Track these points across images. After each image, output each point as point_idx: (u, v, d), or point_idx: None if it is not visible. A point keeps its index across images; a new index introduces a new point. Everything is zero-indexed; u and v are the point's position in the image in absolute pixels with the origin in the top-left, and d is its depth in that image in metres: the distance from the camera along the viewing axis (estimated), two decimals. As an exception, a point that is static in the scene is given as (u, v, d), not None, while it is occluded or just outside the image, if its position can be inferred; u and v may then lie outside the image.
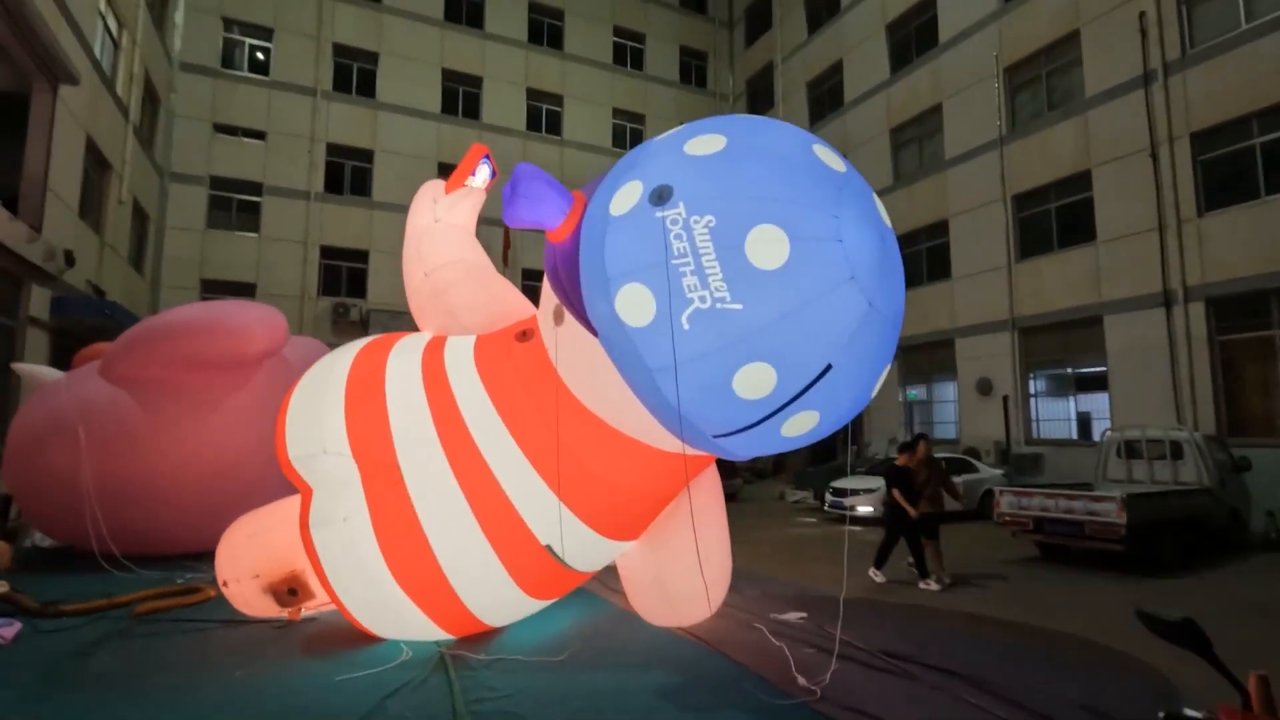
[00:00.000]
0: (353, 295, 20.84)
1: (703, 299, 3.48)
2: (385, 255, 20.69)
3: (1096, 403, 14.66)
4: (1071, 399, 15.25)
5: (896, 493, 7.60)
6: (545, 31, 25.18)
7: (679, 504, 5.05)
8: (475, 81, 23.54)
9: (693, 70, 28.38)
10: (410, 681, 4.02)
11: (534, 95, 24.57)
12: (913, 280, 19.06)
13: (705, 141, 3.84)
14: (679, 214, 3.55)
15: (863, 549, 10.07)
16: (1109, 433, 10.76)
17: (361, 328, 19.26)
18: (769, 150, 3.78)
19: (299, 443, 4.67)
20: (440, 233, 5.78)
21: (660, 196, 3.66)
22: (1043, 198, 15.73)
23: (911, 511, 7.45)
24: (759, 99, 27.11)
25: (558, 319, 4.54)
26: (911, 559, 7.78)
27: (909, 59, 19.54)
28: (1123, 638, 5.39)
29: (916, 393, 19.21)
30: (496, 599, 4.68)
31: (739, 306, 3.45)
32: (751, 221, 3.45)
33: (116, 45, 14.24)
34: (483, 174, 5.83)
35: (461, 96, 23.37)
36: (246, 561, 5.11)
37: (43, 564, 7.58)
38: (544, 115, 24.76)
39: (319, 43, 21.03)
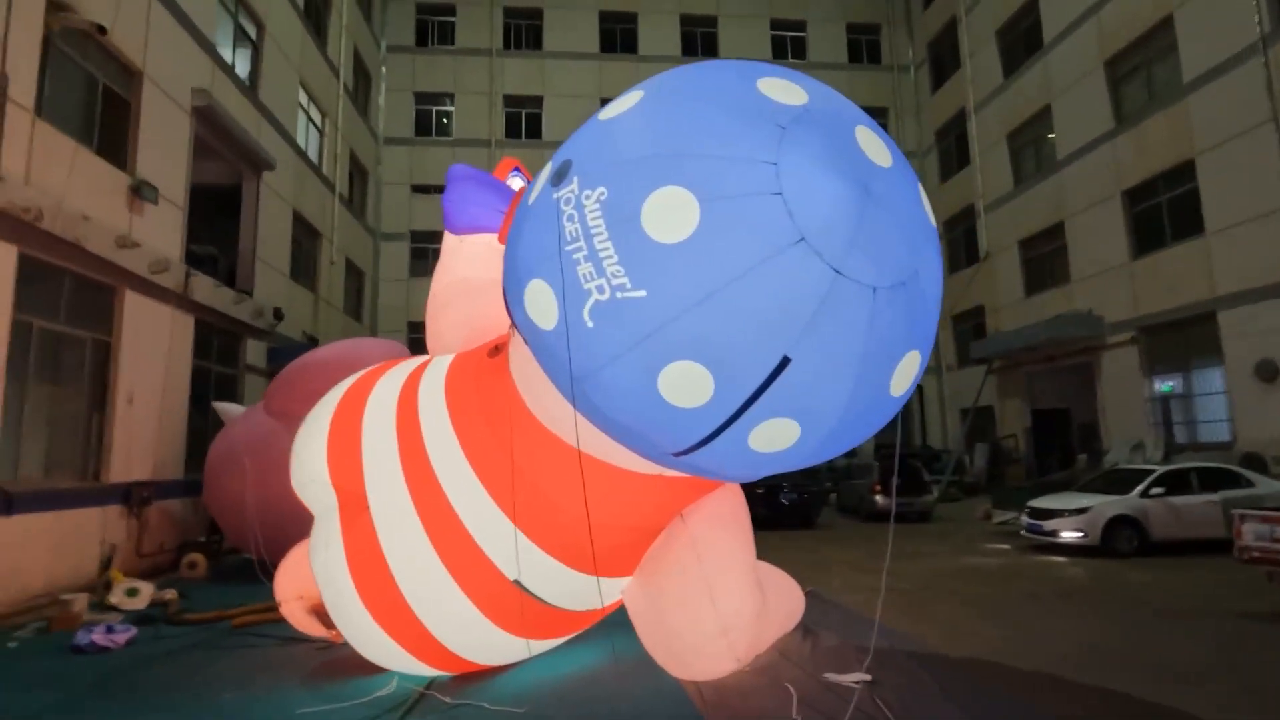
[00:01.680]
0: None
1: (600, 289, 2.85)
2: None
3: None
4: None
5: None
6: (699, 41, 24.98)
7: (674, 537, 4.30)
8: (632, 105, 24.06)
9: (863, 47, 26.10)
10: (361, 721, 3.86)
11: (689, 107, 24.41)
12: (1152, 242, 15.19)
13: (620, 102, 3.21)
14: (572, 191, 2.97)
15: (1047, 593, 7.95)
16: None
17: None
18: (685, 94, 3.03)
19: (298, 469, 4.83)
20: (459, 252, 5.71)
21: (559, 175, 3.11)
22: (1337, 107, 11.51)
23: None
24: (944, 62, 24.01)
25: (511, 329, 4.15)
26: None
27: (1123, -30, 15.79)
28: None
29: (1173, 384, 15.13)
30: (473, 637, 4.33)
31: (641, 294, 2.77)
32: (649, 186, 2.75)
33: (321, 132, 17.01)
34: (514, 187, 5.66)
35: (620, 122, 24.03)
36: (295, 583, 5.40)
37: (235, 575, 8.94)
38: (701, 125, 24.48)
39: (491, 97, 23.20)
